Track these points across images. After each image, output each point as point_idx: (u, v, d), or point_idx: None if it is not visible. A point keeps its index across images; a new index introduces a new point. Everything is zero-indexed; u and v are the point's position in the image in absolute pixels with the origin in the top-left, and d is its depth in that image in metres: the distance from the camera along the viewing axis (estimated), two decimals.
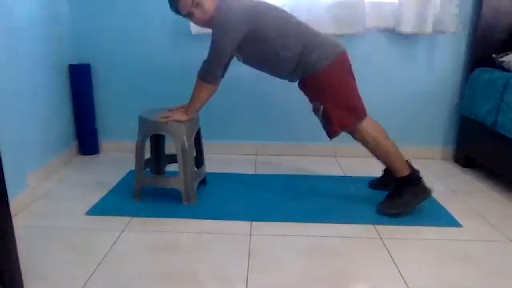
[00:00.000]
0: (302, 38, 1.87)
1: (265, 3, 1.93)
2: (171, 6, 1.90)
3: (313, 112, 1.97)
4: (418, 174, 1.94)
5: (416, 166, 2.00)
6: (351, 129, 1.92)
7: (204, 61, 1.90)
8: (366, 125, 1.91)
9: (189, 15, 1.89)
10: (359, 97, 1.93)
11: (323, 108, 1.89)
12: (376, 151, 1.94)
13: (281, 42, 1.86)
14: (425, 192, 1.93)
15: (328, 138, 1.97)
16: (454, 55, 2.62)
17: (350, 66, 1.94)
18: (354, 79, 1.95)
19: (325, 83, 1.89)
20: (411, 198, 1.91)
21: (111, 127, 2.80)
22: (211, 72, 1.89)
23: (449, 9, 2.44)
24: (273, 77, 2.04)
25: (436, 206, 1.99)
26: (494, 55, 2.41)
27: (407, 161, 1.96)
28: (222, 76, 1.99)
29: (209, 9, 1.84)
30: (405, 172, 1.92)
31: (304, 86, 1.98)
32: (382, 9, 2.53)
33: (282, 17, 1.91)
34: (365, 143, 1.93)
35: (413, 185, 1.91)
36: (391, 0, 2.51)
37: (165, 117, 1.95)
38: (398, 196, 1.92)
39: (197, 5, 1.83)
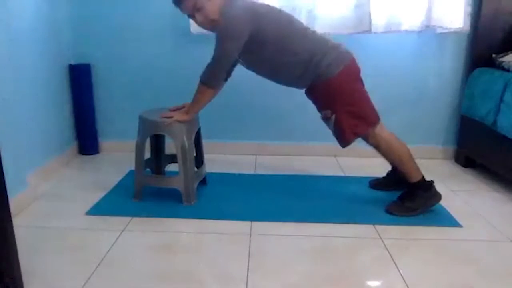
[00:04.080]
0: (308, 43, 1.85)
1: (267, 5, 1.92)
2: (175, 4, 1.88)
3: (322, 121, 1.95)
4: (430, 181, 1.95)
5: None
6: (364, 135, 1.91)
7: (207, 66, 1.88)
8: (379, 130, 1.90)
9: (192, 17, 1.88)
10: (371, 104, 1.92)
11: (335, 117, 1.88)
12: (389, 155, 1.93)
13: (284, 45, 1.83)
14: (436, 197, 1.94)
15: (341, 146, 1.96)
16: (454, 55, 2.62)
17: (359, 72, 1.93)
18: (363, 85, 1.94)
19: (336, 90, 1.86)
20: (422, 203, 1.92)
21: (111, 127, 2.79)
22: (213, 77, 1.88)
23: (460, 7, 2.41)
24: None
25: (436, 206, 1.98)
26: (494, 55, 2.41)
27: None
28: (226, 79, 1.98)
29: (211, 13, 1.82)
30: (418, 176, 1.92)
31: (313, 94, 1.96)
32: (384, 10, 2.52)
33: (284, 20, 1.88)
34: (378, 147, 1.92)
35: (425, 190, 1.92)
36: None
37: (166, 117, 1.94)
38: (410, 200, 1.92)
39: (199, 9, 1.82)
